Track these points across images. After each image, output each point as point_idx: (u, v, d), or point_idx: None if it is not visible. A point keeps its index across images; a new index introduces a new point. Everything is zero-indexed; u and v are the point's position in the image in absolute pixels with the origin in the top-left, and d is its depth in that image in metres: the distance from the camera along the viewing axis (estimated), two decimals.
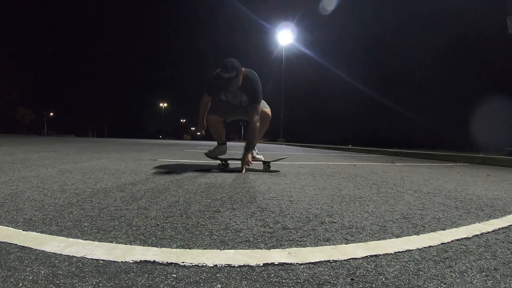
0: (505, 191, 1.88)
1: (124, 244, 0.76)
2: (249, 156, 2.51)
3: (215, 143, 2.82)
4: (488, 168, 3.83)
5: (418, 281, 0.62)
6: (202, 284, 0.58)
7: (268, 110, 2.69)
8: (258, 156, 2.80)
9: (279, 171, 2.64)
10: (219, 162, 2.73)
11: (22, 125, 55.17)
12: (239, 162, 2.57)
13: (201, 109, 2.63)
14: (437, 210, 1.27)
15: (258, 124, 2.50)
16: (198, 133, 2.79)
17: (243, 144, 2.80)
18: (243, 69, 2.37)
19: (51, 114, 69.48)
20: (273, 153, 6.14)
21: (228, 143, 2.97)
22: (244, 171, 2.43)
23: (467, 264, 0.71)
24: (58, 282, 0.56)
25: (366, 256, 0.73)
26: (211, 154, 2.76)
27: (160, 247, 0.75)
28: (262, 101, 2.61)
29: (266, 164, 2.65)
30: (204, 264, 0.66)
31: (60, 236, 0.80)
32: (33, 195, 1.29)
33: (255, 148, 2.82)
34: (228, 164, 2.75)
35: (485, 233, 0.97)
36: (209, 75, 2.56)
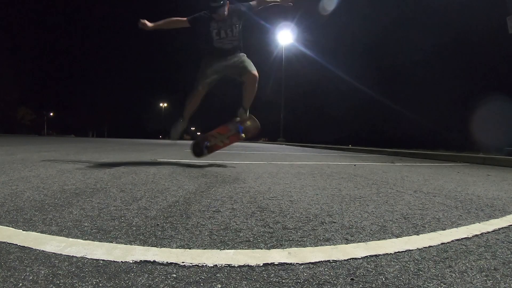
0: (505, 191, 1.88)
1: (124, 244, 0.76)
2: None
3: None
4: (488, 168, 3.83)
5: (418, 281, 0.62)
6: (202, 284, 0.58)
7: (256, 72, 2.72)
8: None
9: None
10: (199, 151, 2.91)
11: (22, 125, 55.15)
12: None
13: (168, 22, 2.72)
14: (437, 210, 1.27)
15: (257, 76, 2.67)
16: (142, 22, 2.62)
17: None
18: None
19: (51, 114, 69.49)
20: (273, 153, 6.14)
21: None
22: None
23: (467, 264, 0.71)
24: (58, 282, 0.56)
25: (366, 256, 0.73)
26: (176, 135, 2.94)
27: (160, 247, 0.75)
28: (250, 61, 2.73)
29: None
30: (204, 264, 0.66)
31: (60, 236, 0.80)
32: (33, 195, 1.29)
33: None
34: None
35: (485, 233, 0.97)
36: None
